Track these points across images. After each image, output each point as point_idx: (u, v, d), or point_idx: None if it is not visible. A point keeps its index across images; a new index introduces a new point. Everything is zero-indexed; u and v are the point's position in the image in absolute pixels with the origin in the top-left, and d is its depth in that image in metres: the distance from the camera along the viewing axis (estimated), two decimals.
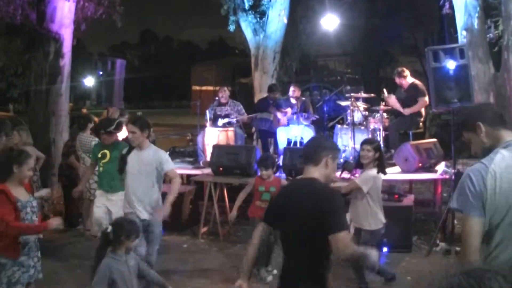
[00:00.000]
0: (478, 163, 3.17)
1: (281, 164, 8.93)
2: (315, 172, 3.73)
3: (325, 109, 11.48)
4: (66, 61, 11.80)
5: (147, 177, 6.13)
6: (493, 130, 3.26)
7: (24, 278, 4.84)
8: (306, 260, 3.64)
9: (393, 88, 10.79)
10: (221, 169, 8.92)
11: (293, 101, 11.29)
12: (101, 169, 7.22)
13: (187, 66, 38.24)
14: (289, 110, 11.05)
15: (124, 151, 6.36)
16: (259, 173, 7.27)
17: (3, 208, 4.63)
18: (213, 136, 10.28)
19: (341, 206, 3.68)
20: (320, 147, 3.83)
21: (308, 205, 3.59)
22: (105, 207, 7.02)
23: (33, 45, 11.99)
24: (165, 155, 6.29)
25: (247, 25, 15.22)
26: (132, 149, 6.23)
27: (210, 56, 30.63)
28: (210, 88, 25.85)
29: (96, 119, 9.68)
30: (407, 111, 9.90)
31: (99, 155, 7.22)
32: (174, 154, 10.88)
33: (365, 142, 6.37)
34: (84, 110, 17.73)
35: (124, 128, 7.69)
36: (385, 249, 7.35)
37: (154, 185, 6.18)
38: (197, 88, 27.57)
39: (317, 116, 11.21)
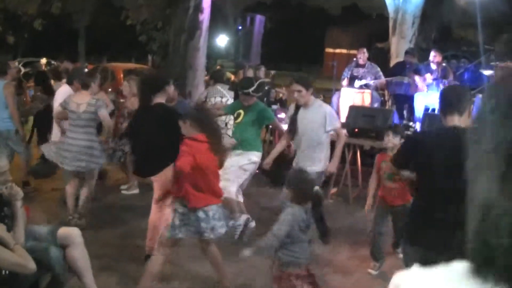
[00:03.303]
0: None
1: (419, 130, 8.60)
2: (459, 122, 3.71)
3: (465, 77, 10.91)
4: (205, 16, 11.97)
5: (314, 133, 6.26)
6: None
7: None
8: (458, 212, 3.52)
9: None
10: (356, 130, 8.74)
11: (433, 66, 10.77)
12: (233, 129, 7.11)
13: (319, 31, 37.79)
14: (428, 75, 10.56)
15: (291, 110, 6.50)
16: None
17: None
18: (348, 97, 10.09)
19: None
20: (465, 97, 3.87)
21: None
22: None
23: (175, 1, 12.26)
24: (332, 113, 6.38)
25: None
26: (299, 108, 6.34)
27: (344, 22, 29.95)
28: (344, 51, 25.40)
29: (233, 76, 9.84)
30: None
31: (235, 114, 7.06)
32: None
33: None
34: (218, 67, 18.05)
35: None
36: None
37: (321, 141, 6.30)
38: (331, 50, 27.25)
39: (457, 83, 10.65)
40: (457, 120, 3.71)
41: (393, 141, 5.94)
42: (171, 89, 6.16)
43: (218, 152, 4.93)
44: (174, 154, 4.81)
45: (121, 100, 9.60)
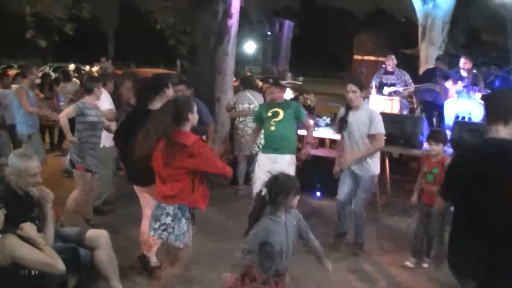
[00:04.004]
0: None
1: (449, 138, 8.47)
2: (504, 132, 3.36)
3: (496, 84, 10.72)
4: (233, 21, 11.94)
5: (362, 135, 6.35)
6: None
7: None
8: (499, 229, 3.28)
9: None
10: (385, 137, 8.64)
11: (463, 73, 10.60)
12: (272, 128, 6.72)
13: (344, 36, 37.57)
14: (459, 83, 10.40)
15: (342, 112, 6.50)
16: (426, 148, 6.80)
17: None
18: (377, 105, 9.99)
19: None
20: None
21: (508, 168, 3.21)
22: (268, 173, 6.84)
23: (202, 4, 12.24)
24: (378, 118, 6.37)
25: None
26: (350, 109, 6.38)
27: (369, 26, 29.63)
28: (372, 58, 25.19)
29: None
30: None
31: (269, 114, 6.74)
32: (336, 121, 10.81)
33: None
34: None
35: None
36: None
37: (367, 143, 6.38)
38: (359, 57, 27.04)
39: (488, 91, 10.45)
40: (501, 131, 3.37)
41: (436, 149, 6.10)
42: (170, 92, 5.69)
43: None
44: None
45: None
